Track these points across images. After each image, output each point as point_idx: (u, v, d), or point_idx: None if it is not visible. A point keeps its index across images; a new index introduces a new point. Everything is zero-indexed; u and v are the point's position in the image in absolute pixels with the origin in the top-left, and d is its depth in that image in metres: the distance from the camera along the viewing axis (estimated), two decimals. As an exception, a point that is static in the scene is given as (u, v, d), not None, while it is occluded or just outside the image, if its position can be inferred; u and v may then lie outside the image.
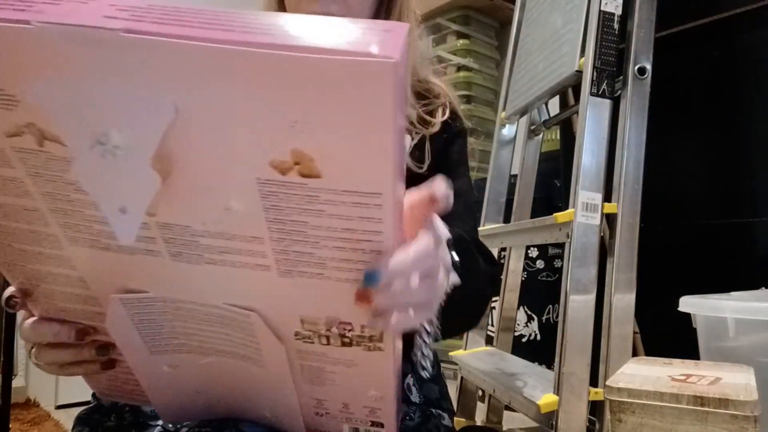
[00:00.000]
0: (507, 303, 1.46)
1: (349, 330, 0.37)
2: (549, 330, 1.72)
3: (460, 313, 0.49)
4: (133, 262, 0.36)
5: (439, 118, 0.70)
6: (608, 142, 1.06)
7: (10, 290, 0.42)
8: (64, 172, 0.32)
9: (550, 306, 1.76)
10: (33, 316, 0.44)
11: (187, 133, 0.29)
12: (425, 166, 0.67)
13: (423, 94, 0.70)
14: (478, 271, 0.61)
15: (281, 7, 0.68)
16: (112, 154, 0.30)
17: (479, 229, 1.43)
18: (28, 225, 0.37)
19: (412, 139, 0.68)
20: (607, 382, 0.71)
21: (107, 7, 0.28)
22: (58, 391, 1.90)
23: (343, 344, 0.38)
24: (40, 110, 0.30)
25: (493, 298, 1.44)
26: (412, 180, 0.66)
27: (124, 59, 0.27)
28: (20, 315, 0.45)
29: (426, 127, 0.68)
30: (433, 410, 0.67)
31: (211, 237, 0.33)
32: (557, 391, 0.96)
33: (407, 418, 0.62)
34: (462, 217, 0.69)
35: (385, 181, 0.29)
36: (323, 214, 0.31)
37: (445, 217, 0.68)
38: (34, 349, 0.45)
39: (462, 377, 1.38)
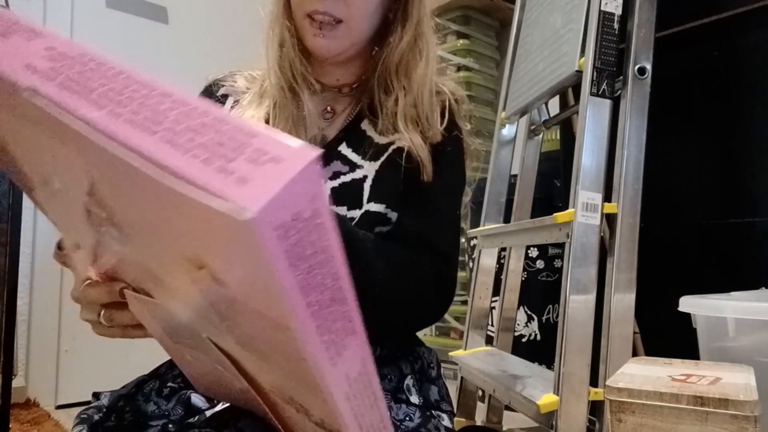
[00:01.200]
0: (507, 303, 1.46)
1: (310, 414, 0.34)
2: (549, 330, 1.72)
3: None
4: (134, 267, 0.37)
5: (439, 127, 0.71)
6: (608, 142, 1.05)
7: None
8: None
9: (550, 306, 1.75)
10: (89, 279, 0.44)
11: (108, 202, 0.27)
12: (425, 175, 0.68)
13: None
14: (374, 277, 0.57)
15: (287, 2, 0.68)
16: (58, 196, 0.29)
17: (480, 229, 1.44)
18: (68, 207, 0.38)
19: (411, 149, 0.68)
20: (607, 382, 0.71)
21: (41, 51, 0.26)
22: (58, 391, 1.90)
23: (309, 420, 0.35)
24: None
25: (494, 298, 1.44)
26: (416, 186, 0.67)
27: (38, 117, 0.25)
28: (74, 276, 0.46)
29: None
30: (433, 411, 0.67)
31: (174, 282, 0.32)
32: (557, 391, 0.96)
33: (407, 419, 0.62)
34: (420, 212, 0.68)
35: (292, 317, 0.23)
36: (246, 320, 0.27)
37: (402, 211, 0.67)
38: (104, 312, 0.45)
39: (462, 377, 1.38)
